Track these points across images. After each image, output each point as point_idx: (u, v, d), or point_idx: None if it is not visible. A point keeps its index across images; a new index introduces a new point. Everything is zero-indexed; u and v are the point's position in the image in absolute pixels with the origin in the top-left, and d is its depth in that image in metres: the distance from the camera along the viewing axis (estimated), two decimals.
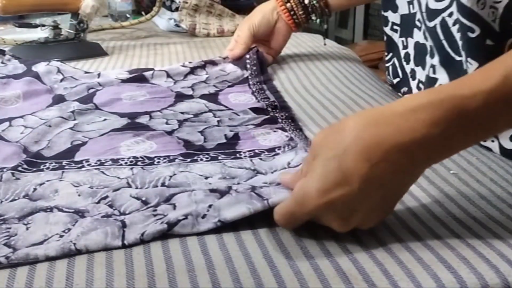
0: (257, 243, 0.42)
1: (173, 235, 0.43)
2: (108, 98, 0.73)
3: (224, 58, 0.92)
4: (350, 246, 0.42)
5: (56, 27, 1.02)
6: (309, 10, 0.92)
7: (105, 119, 0.66)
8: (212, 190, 0.48)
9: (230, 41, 0.95)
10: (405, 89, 0.78)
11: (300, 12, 0.92)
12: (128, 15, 1.36)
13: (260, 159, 0.56)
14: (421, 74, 0.73)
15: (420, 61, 0.73)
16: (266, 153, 0.58)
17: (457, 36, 0.62)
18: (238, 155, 0.57)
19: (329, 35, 3.02)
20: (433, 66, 0.68)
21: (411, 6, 0.73)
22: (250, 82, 0.83)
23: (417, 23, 0.72)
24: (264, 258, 0.40)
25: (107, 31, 1.26)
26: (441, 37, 0.65)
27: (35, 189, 0.50)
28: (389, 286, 0.37)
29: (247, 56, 0.90)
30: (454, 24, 0.62)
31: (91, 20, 1.05)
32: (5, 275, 0.39)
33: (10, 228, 0.44)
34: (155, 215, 0.45)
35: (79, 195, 0.49)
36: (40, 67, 0.83)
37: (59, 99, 0.73)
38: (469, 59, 0.58)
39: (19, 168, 0.53)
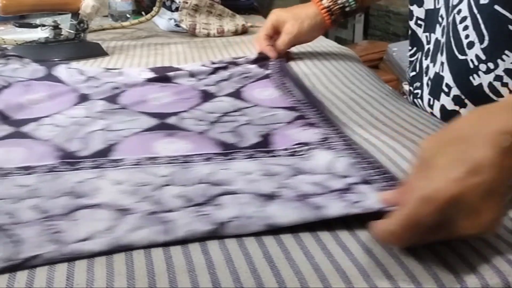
0: (257, 242, 0.42)
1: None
2: (134, 99, 0.74)
3: (246, 58, 0.93)
4: (351, 246, 0.42)
5: (56, 27, 1.02)
6: (348, 15, 0.94)
7: (134, 119, 0.67)
8: (258, 194, 0.48)
9: (255, 35, 0.97)
10: (417, 84, 0.78)
11: (341, 19, 0.94)
12: (128, 15, 1.36)
13: (298, 157, 0.56)
14: (431, 71, 0.73)
15: (433, 57, 0.73)
16: (303, 148, 0.57)
17: (463, 34, 0.62)
18: (274, 153, 0.57)
19: (329, 35, 3.03)
20: (442, 64, 0.68)
21: (436, 1, 0.73)
22: (273, 77, 0.83)
23: (439, 19, 0.72)
24: (264, 258, 0.40)
25: (108, 31, 1.26)
26: (450, 33, 0.65)
27: (76, 187, 0.50)
28: (390, 286, 0.37)
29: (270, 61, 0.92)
30: (461, 22, 0.62)
31: (91, 20, 1.05)
32: (5, 275, 0.39)
33: (55, 224, 0.44)
34: (200, 215, 0.45)
35: (121, 193, 0.49)
36: (60, 70, 0.84)
37: (84, 98, 0.74)
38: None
39: (58, 168, 0.53)
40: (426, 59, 0.76)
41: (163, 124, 0.65)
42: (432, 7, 0.74)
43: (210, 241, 0.42)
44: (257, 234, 0.43)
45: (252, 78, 0.83)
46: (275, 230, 0.44)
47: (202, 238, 0.42)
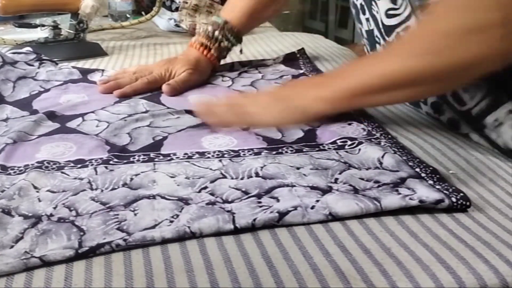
0: (256, 243, 0.42)
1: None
2: (173, 98, 0.75)
3: (274, 60, 0.95)
4: (349, 246, 0.42)
5: (56, 27, 1.02)
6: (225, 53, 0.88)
7: (178, 117, 0.68)
8: (313, 187, 0.49)
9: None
10: None
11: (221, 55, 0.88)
12: (128, 15, 1.36)
13: (346, 151, 0.57)
14: None
15: None
16: (349, 142, 0.58)
17: None
18: (321, 147, 0.58)
19: (329, 35, 3.03)
20: None
21: (368, 23, 0.75)
22: (309, 76, 0.85)
23: (376, 39, 0.74)
24: (262, 258, 0.40)
25: (107, 31, 1.26)
26: None
27: (132, 179, 0.51)
28: (388, 286, 0.37)
29: (299, 58, 0.94)
30: None
31: (91, 20, 1.05)
32: (3, 275, 0.38)
33: (118, 214, 0.45)
34: (260, 206, 0.46)
35: (178, 185, 0.50)
36: (96, 76, 0.85)
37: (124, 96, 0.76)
38: None
39: (111, 161, 0.54)
40: None
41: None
42: (367, 28, 0.76)
43: (208, 241, 0.42)
44: (255, 234, 0.43)
45: (289, 77, 0.84)
46: (273, 230, 0.44)
47: (219, 233, 0.43)
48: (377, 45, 0.74)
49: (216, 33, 0.85)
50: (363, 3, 0.74)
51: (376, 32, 0.72)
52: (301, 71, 0.88)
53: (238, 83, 0.83)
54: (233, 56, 1.00)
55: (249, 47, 1.10)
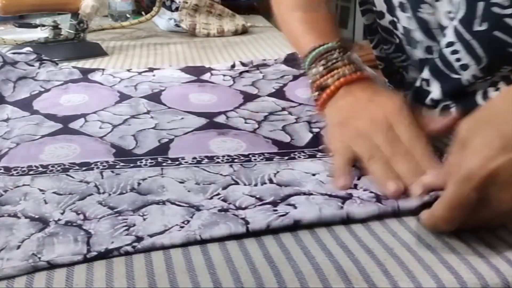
0: (257, 243, 0.42)
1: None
2: (175, 98, 0.75)
3: (275, 60, 0.94)
4: (351, 246, 0.42)
5: (56, 27, 1.02)
6: None
7: (182, 118, 0.67)
8: (332, 196, 0.47)
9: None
10: None
11: None
12: (128, 15, 1.36)
13: None
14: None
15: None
16: None
17: (452, 58, 0.62)
18: None
19: None
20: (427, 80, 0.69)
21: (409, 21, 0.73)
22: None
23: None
24: (264, 257, 0.40)
25: (107, 31, 1.26)
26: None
27: (139, 184, 0.50)
28: (390, 286, 0.37)
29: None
30: (448, 46, 0.63)
31: (91, 20, 1.05)
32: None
33: (126, 219, 0.44)
34: (276, 213, 0.45)
35: (188, 191, 0.49)
36: (96, 76, 0.85)
37: (124, 96, 0.75)
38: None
39: (117, 165, 0.54)
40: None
41: (213, 123, 0.66)
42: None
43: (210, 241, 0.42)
44: (256, 234, 0.43)
45: (290, 77, 0.84)
46: (275, 231, 0.44)
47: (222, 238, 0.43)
48: (417, 45, 0.71)
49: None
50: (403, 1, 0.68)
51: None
52: (302, 71, 0.88)
53: (239, 82, 0.82)
54: (234, 56, 1.00)
55: (249, 47, 1.10)
